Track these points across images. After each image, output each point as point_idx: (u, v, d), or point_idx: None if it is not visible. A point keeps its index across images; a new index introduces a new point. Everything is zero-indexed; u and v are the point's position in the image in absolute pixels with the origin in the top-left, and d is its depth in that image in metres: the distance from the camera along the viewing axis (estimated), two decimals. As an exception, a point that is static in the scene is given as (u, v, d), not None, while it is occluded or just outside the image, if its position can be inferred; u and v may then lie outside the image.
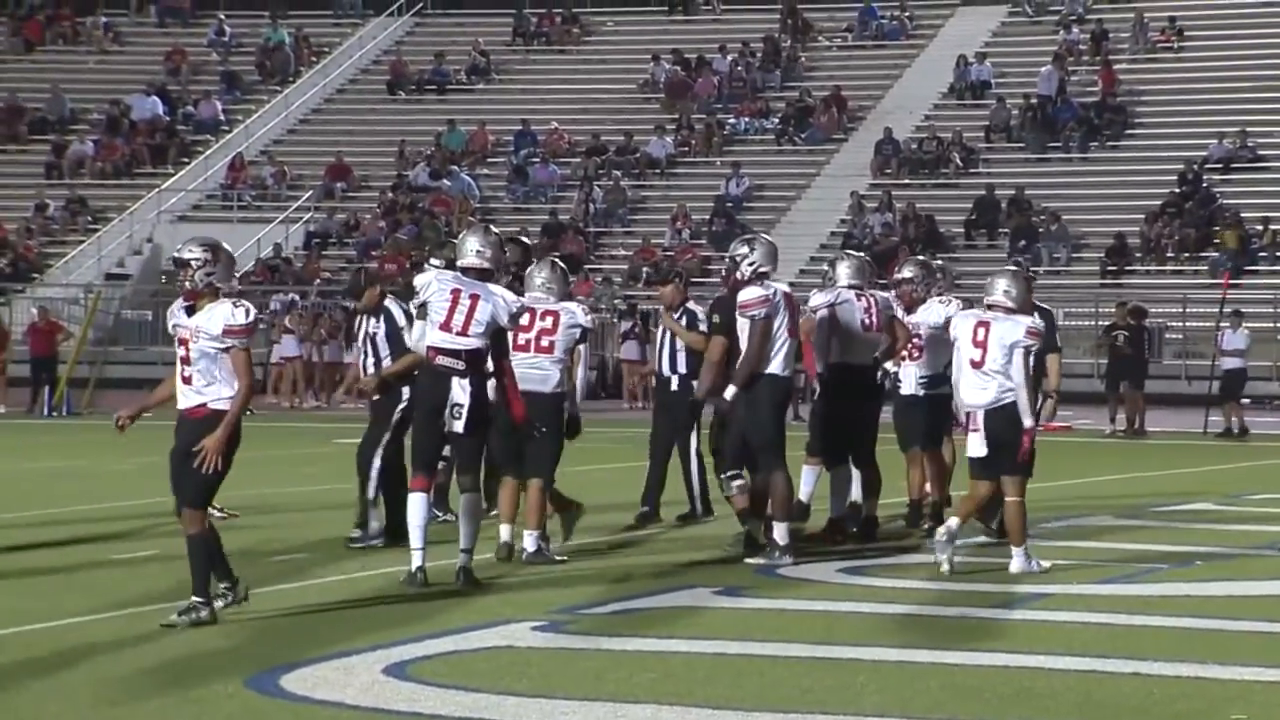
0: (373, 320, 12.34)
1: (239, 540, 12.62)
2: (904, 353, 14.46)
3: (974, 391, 11.88)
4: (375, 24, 49.95)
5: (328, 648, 8.53)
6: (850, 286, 13.40)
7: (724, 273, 14.73)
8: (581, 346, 12.81)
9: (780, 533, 12.07)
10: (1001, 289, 11.40)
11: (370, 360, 12.42)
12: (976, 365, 11.90)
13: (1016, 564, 10.21)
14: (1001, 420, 10.39)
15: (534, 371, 12.18)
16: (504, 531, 12.00)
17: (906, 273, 14.61)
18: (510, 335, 11.92)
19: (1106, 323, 28.93)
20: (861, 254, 15.69)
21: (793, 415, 17.21)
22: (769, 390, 12.53)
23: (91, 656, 8.29)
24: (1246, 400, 26.72)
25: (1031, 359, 11.21)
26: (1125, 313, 27.09)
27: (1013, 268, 15.80)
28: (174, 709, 7.26)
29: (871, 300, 13.30)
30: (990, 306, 11.88)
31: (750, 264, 12.62)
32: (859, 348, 13.38)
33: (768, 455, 12.55)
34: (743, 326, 12.21)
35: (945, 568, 11.14)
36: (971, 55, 43.05)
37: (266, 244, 38.40)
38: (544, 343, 12.37)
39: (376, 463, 12.79)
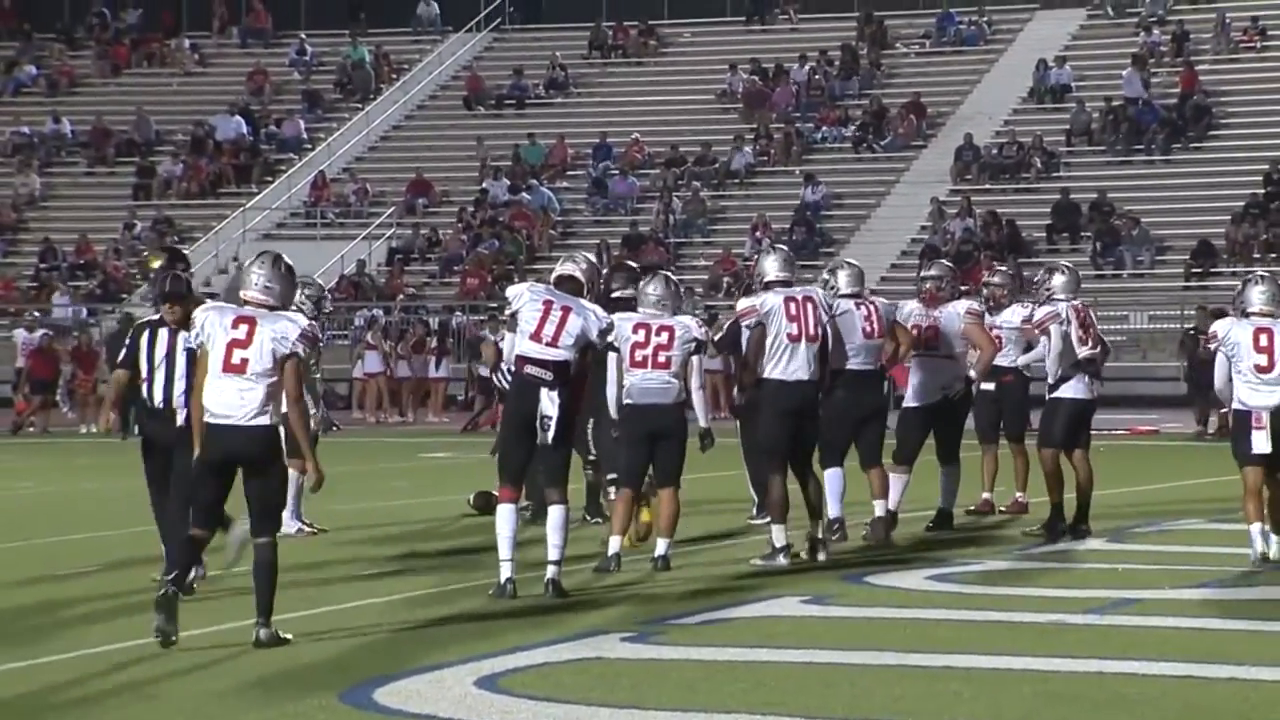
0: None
1: (327, 554, 12.98)
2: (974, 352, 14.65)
3: (1262, 394, 11.94)
4: (453, 40, 50.40)
5: (420, 661, 8.57)
6: (849, 295, 13.39)
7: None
8: (695, 358, 12.72)
9: (776, 535, 12.16)
10: (1268, 296, 11.51)
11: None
12: (1264, 370, 11.97)
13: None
14: None
15: (655, 385, 12.29)
16: (614, 543, 12.10)
17: (934, 271, 14.80)
18: (627, 350, 12.26)
19: (1190, 326, 28.76)
20: (856, 262, 15.49)
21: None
22: (768, 396, 12.77)
23: (188, 673, 8.35)
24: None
25: None
26: (1207, 316, 25.84)
27: (1263, 273, 14.59)
28: None
29: (872, 308, 13.31)
30: (1258, 314, 11.94)
31: (761, 275, 12.89)
32: (863, 354, 13.47)
33: (766, 459, 13.01)
34: (745, 336, 12.87)
35: (1272, 552, 11.45)
36: (1051, 59, 42.81)
37: (350, 260, 39.00)
38: (661, 358, 12.39)
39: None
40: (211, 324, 9.60)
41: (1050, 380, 14.34)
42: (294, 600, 10.12)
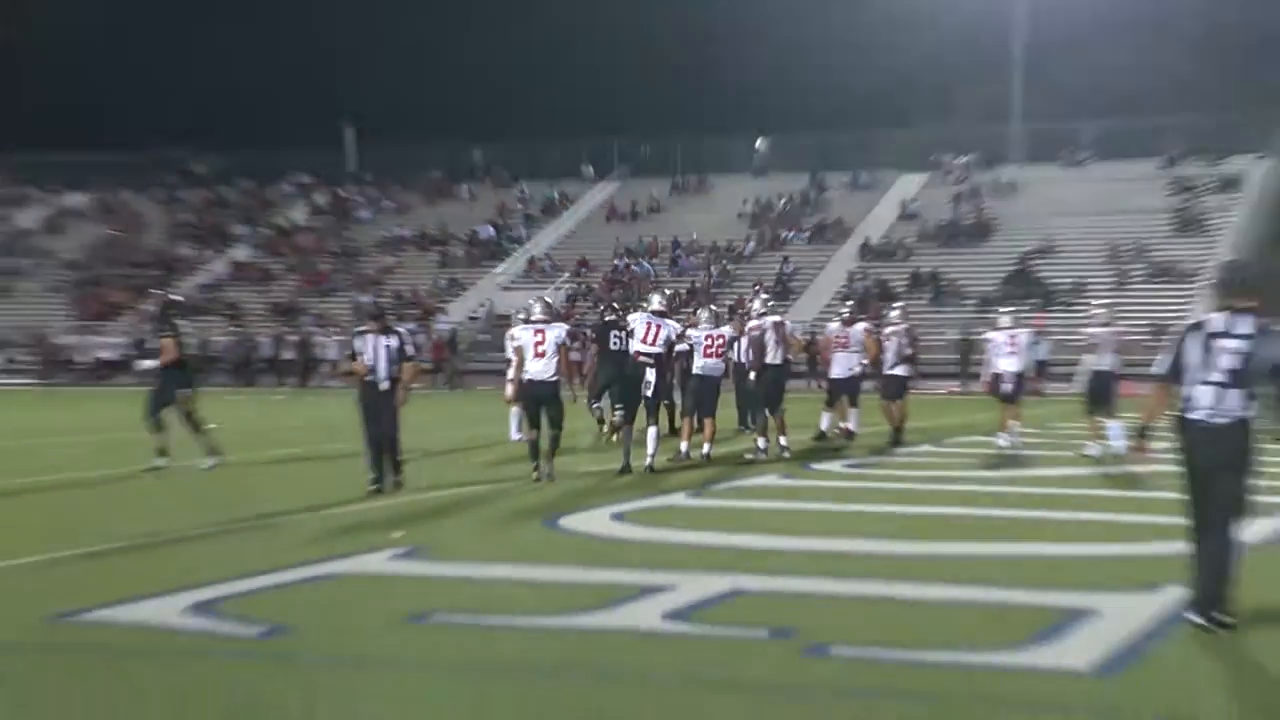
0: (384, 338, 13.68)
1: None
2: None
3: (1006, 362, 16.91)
4: (600, 185, 62.48)
5: (584, 502, 12.77)
6: (764, 315, 17.33)
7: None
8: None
9: (760, 442, 16.79)
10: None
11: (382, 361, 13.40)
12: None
13: None
14: None
15: (713, 365, 16.25)
16: (683, 446, 16.28)
17: (846, 307, 20.00)
18: (700, 346, 16.18)
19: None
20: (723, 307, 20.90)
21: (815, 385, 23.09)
22: (770, 374, 17.16)
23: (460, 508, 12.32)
24: None
25: None
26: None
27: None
28: (494, 539, 10.89)
29: (780, 328, 17.20)
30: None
31: (758, 309, 17.62)
32: (776, 354, 17.17)
33: (767, 404, 17.16)
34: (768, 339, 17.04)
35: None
36: (910, 197, 53.26)
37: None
38: (716, 350, 16.33)
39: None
40: (522, 333, 14.44)
41: (890, 366, 19.05)
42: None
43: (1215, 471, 7.64)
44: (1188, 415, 7.67)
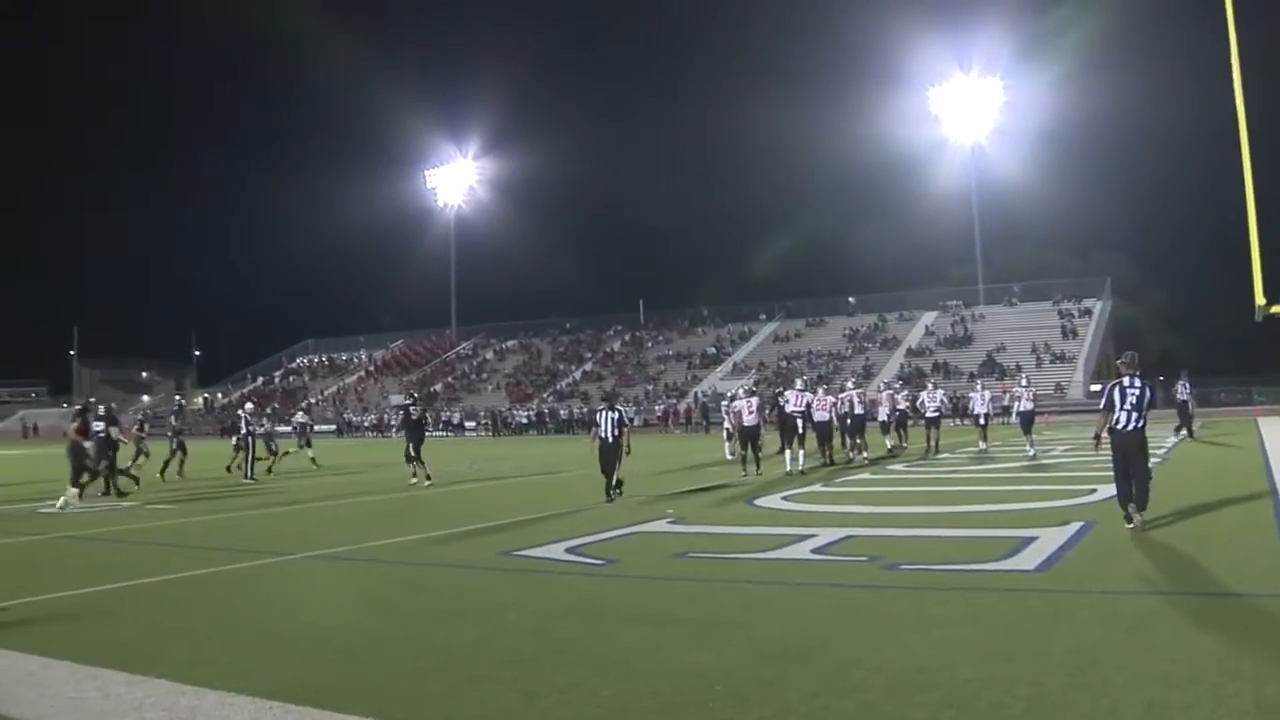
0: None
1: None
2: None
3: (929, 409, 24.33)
4: (769, 324, 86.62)
5: (767, 490, 16.48)
6: (799, 391, 21.88)
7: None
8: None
9: (789, 460, 20.45)
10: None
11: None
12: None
13: None
14: None
15: (825, 414, 21.08)
16: (787, 459, 21.08)
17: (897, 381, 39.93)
18: (819, 403, 21.32)
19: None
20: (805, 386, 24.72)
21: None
22: (853, 420, 23.29)
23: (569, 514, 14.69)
24: None
25: None
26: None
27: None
28: (721, 512, 13.76)
29: (808, 395, 20.92)
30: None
31: (799, 391, 22.32)
32: (799, 406, 21.97)
33: (851, 436, 23.16)
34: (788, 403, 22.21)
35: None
36: (925, 329, 74.95)
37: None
38: (825, 407, 21.40)
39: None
40: (740, 401, 20.79)
41: (884, 416, 26.13)
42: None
43: (1131, 453, 12.00)
44: (1116, 427, 12.04)
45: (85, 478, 19.90)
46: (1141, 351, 13.39)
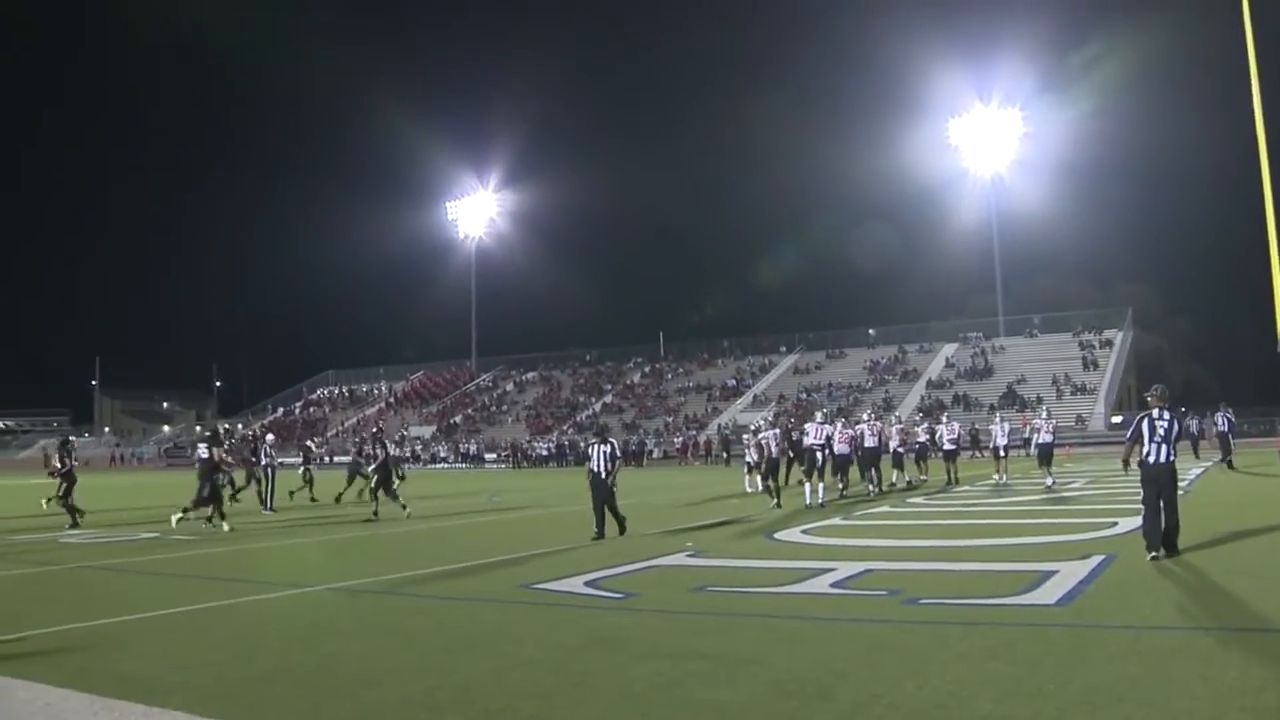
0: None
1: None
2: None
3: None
4: (789, 355, 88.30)
5: (787, 524, 17.81)
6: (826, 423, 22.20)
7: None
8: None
9: (809, 493, 20.76)
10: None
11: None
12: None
13: None
14: None
15: (844, 446, 21.63)
16: (808, 494, 21.06)
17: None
18: (839, 436, 21.82)
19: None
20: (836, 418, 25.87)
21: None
22: (868, 452, 24.30)
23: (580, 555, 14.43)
24: None
25: None
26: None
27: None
28: (740, 545, 13.72)
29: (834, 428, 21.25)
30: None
31: (820, 422, 22.43)
32: (819, 438, 21.97)
33: (867, 467, 24.27)
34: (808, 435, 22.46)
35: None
36: (945, 362, 75.96)
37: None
38: (845, 439, 22.00)
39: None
40: (765, 433, 21.84)
41: (894, 445, 26.61)
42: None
43: (1162, 484, 12.11)
44: (1148, 460, 12.27)
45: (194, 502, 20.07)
46: (1163, 382, 13.48)
